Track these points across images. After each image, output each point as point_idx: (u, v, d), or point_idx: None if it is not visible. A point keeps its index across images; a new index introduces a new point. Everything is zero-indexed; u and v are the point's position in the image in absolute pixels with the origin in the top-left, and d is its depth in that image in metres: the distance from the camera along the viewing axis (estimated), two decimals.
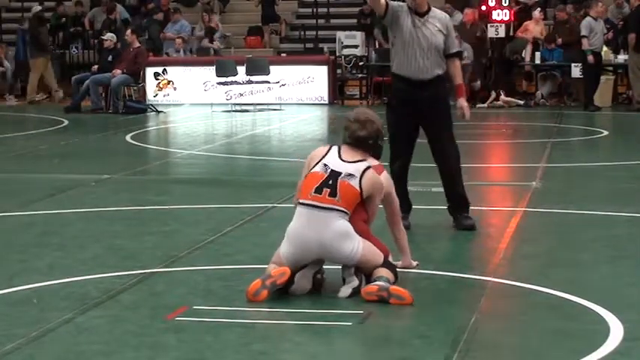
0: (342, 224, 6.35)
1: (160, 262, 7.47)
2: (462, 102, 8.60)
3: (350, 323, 5.91)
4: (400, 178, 8.29)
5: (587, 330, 5.80)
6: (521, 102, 21.73)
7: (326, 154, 6.56)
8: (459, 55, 8.82)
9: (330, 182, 6.38)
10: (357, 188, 6.39)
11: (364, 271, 6.44)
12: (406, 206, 8.32)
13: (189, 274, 7.20)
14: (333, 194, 6.36)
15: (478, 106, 21.38)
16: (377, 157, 6.67)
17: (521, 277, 6.95)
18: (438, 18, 8.41)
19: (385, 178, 6.66)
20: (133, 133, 16.99)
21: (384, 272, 6.40)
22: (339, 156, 6.53)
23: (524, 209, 9.64)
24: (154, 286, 6.89)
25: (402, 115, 8.39)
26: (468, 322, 5.93)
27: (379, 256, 6.45)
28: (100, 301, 6.42)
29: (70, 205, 10.06)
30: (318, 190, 6.38)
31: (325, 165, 6.46)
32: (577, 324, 5.97)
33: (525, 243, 8.33)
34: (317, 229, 6.33)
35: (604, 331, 5.67)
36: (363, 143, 6.59)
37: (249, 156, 14.80)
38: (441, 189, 10.05)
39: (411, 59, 8.24)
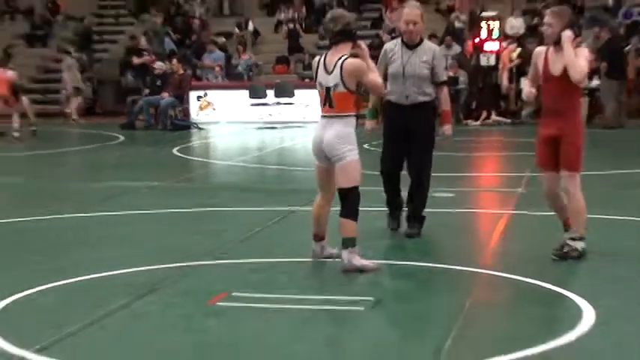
0: (341, 128, 6.89)
1: (204, 255, 7.53)
2: (446, 128, 8.38)
3: (362, 308, 5.94)
4: (392, 186, 8.30)
5: (564, 315, 5.83)
6: (509, 120, 21.74)
7: (317, 67, 7.08)
8: (446, 83, 8.50)
9: (327, 96, 6.94)
10: (345, 89, 6.88)
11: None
12: (395, 205, 8.36)
13: (229, 265, 7.26)
14: (331, 106, 6.93)
15: (472, 123, 21.44)
16: (355, 41, 6.99)
17: (507, 270, 6.98)
18: (426, 50, 8.15)
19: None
20: (178, 147, 17.09)
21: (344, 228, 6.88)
22: (325, 68, 6.99)
23: (511, 212, 9.65)
24: (199, 277, 6.95)
25: (391, 135, 8.25)
26: (462, 307, 5.97)
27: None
28: (153, 289, 6.48)
29: (126, 208, 10.11)
30: (323, 104, 7.00)
31: (320, 83, 7.00)
32: (555, 310, 6.01)
33: (512, 241, 8.35)
34: (323, 130, 6.94)
35: (578, 316, 5.68)
36: (342, 35, 6.97)
37: (277, 166, 14.86)
38: (442, 194, 10.13)
39: (399, 87, 8.11)
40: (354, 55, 6.89)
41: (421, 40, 8.18)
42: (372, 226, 8.32)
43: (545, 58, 7.32)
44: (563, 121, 7.25)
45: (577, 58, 7.09)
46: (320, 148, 6.95)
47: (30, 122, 19.22)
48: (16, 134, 18.45)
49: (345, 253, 6.85)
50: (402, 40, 8.18)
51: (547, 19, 7.36)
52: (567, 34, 7.14)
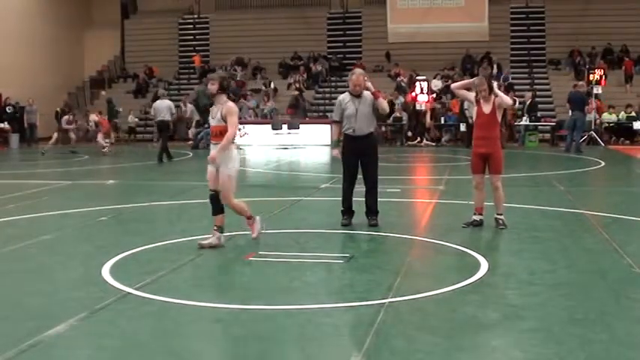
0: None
1: (240, 228, 7.42)
2: (380, 101, 7.50)
3: (342, 261, 5.89)
4: (348, 192, 7.69)
5: (468, 265, 5.75)
6: (434, 143, 21.68)
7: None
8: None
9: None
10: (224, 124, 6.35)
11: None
12: (351, 212, 7.66)
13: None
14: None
15: (409, 144, 21.38)
16: (228, 95, 6.43)
17: (434, 237, 6.92)
18: (367, 97, 7.48)
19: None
20: None
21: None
22: (210, 115, 6.45)
23: (436, 201, 9.58)
24: (237, 241, 6.86)
25: (349, 157, 7.59)
26: (405, 260, 5.92)
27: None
28: (209, 249, 6.39)
29: (193, 198, 10.00)
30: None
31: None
32: (463, 262, 5.94)
33: (436, 219, 8.28)
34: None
35: (477, 266, 5.64)
36: (217, 94, 6.38)
37: (287, 172, 14.76)
38: (392, 190, 10.04)
39: (353, 124, 7.53)
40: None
41: (362, 92, 7.59)
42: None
43: (478, 104, 7.30)
44: (491, 143, 7.34)
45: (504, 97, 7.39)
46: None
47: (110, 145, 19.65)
48: (106, 150, 19.12)
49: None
50: (351, 93, 7.58)
51: (480, 83, 7.34)
52: (495, 87, 7.54)
